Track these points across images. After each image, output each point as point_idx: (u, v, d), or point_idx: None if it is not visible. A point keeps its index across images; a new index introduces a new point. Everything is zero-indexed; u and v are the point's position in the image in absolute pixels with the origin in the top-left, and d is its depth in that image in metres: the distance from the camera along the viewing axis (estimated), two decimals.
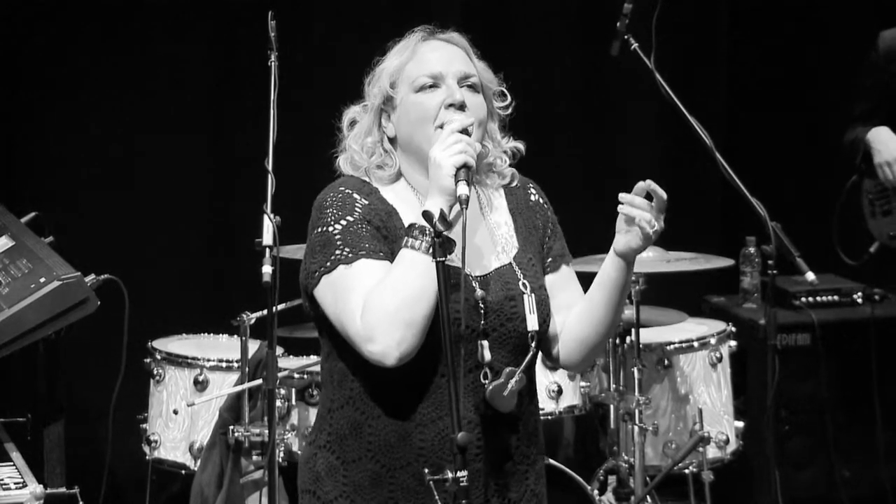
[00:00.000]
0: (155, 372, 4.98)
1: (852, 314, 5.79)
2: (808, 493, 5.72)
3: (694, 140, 4.46)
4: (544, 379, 4.81)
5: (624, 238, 2.96)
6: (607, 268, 2.97)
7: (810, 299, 5.83)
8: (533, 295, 2.91)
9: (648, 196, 2.95)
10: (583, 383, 4.90)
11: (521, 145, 3.08)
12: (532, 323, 2.90)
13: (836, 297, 5.88)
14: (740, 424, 5.20)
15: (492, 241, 2.97)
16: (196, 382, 4.89)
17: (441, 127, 2.88)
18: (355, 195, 2.90)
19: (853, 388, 5.68)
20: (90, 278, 3.61)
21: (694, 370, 5.10)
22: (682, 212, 6.52)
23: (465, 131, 2.85)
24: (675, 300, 5.35)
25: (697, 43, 6.55)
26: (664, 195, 2.96)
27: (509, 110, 3.06)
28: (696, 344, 5.12)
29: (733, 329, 5.29)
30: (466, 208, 2.75)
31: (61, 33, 5.66)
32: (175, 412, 4.94)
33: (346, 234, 2.85)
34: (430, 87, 2.92)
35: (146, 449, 4.99)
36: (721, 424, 5.12)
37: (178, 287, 5.80)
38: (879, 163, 5.18)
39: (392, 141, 2.97)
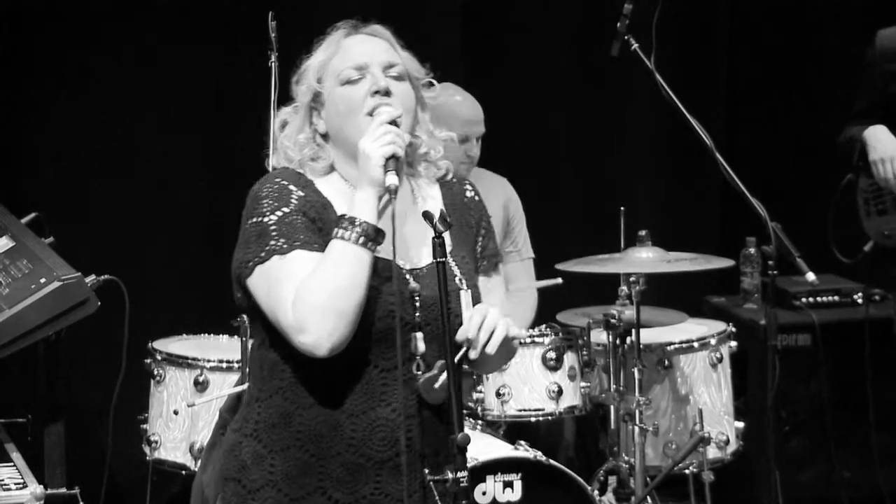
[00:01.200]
0: (155, 372, 4.98)
1: (852, 315, 5.79)
2: (808, 493, 5.72)
3: (694, 140, 4.46)
4: (544, 379, 4.81)
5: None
6: None
7: (810, 300, 5.83)
8: (469, 291, 2.91)
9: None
10: (583, 384, 4.90)
11: (453, 135, 3.09)
12: (466, 319, 2.89)
13: (836, 298, 5.88)
14: (740, 425, 5.19)
15: (425, 234, 2.95)
16: (196, 383, 4.89)
17: (371, 114, 2.90)
18: (291, 186, 2.92)
19: (853, 388, 5.68)
20: (90, 279, 3.61)
21: (694, 370, 5.10)
22: (682, 212, 6.60)
23: (393, 122, 2.87)
24: (676, 300, 5.35)
25: (697, 43, 6.55)
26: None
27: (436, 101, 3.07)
28: (696, 344, 5.12)
29: (734, 329, 5.29)
30: (395, 198, 2.78)
31: (61, 34, 5.66)
32: (175, 413, 4.94)
33: (281, 225, 2.87)
34: (357, 79, 2.94)
35: (146, 449, 4.99)
36: (721, 425, 5.12)
37: (178, 287, 5.80)
38: (874, 160, 5.18)
39: (324, 136, 3.00)
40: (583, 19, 6.34)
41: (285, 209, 2.89)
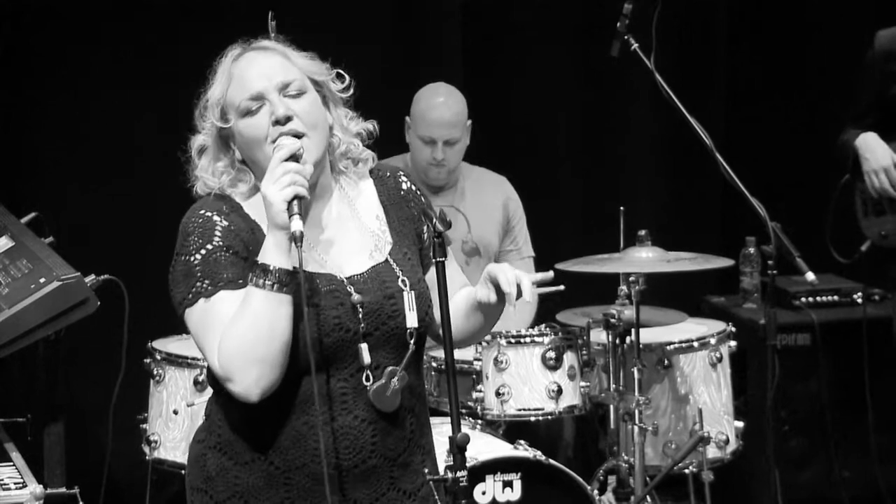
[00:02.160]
0: (155, 372, 4.98)
1: (852, 314, 5.79)
2: (807, 493, 5.72)
3: (694, 140, 4.46)
4: (543, 379, 4.81)
5: (484, 293, 2.92)
6: (484, 297, 2.93)
7: (810, 299, 5.83)
8: (413, 291, 2.91)
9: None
10: (583, 383, 4.90)
11: (370, 126, 3.04)
12: (411, 320, 2.89)
13: (835, 298, 5.89)
14: (740, 424, 5.19)
15: (364, 239, 2.95)
16: (196, 383, 4.89)
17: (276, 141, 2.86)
18: (215, 217, 2.90)
19: (853, 388, 5.68)
20: (90, 278, 3.61)
21: (694, 370, 5.10)
22: (682, 212, 6.60)
23: (294, 157, 2.81)
24: (675, 300, 5.35)
25: (697, 43, 6.55)
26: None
27: (350, 90, 3.01)
28: (696, 344, 5.12)
29: (733, 329, 5.29)
30: (300, 245, 2.73)
31: (61, 33, 5.66)
32: (175, 412, 4.93)
33: (205, 265, 2.86)
34: (256, 108, 2.88)
35: (146, 449, 4.99)
36: (721, 424, 5.12)
37: None
38: (867, 171, 5.18)
39: (242, 161, 2.96)
40: (582, 19, 6.34)
41: (209, 246, 2.87)
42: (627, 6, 4.58)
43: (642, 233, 4.93)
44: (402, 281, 2.92)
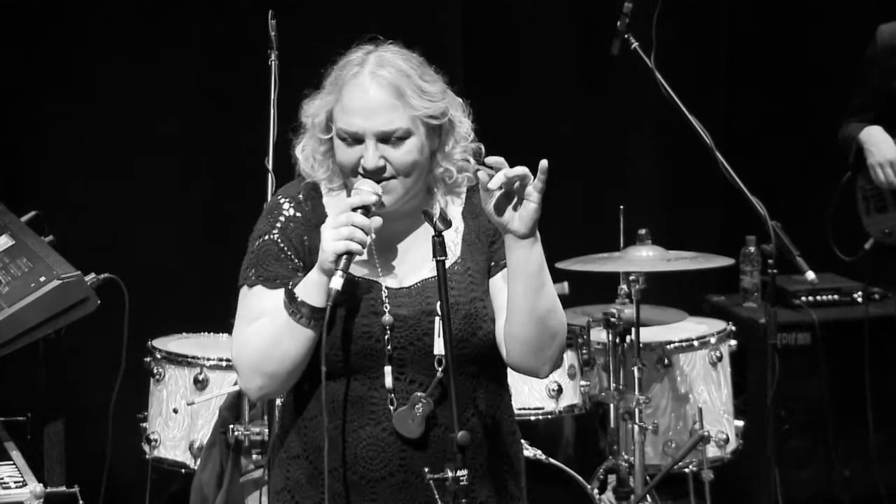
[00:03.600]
0: (155, 371, 4.98)
1: (852, 313, 5.78)
2: (807, 492, 5.72)
3: (694, 139, 4.46)
4: (544, 378, 4.81)
5: (509, 216, 2.79)
6: (510, 256, 2.82)
7: (810, 298, 5.83)
8: (438, 319, 2.84)
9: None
10: (583, 382, 4.90)
11: (471, 159, 2.94)
12: (438, 347, 2.85)
13: (836, 297, 5.88)
14: (740, 424, 5.19)
15: (426, 257, 2.89)
16: (196, 381, 4.89)
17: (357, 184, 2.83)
18: (285, 205, 2.93)
19: (853, 387, 5.68)
20: (90, 277, 3.61)
21: (694, 369, 5.10)
22: (682, 211, 6.59)
23: (366, 209, 2.78)
24: (676, 299, 5.35)
25: (698, 43, 6.54)
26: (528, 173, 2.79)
27: (465, 124, 2.93)
28: (696, 343, 5.12)
29: (733, 328, 5.29)
30: (330, 303, 2.74)
31: (61, 33, 5.66)
32: (175, 411, 4.93)
33: (258, 254, 2.92)
34: (351, 143, 2.83)
35: (146, 448, 4.99)
36: (721, 423, 5.12)
37: (178, 286, 5.80)
38: (872, 164, 5.17)
39: None
40: (583, 18, 6.34)
41: (266, 237, 2.92)
42: (628, 5, 4.58)
43: (642, 232, 4.93)
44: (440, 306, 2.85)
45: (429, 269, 2.90)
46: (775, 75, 6.66)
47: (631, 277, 4.83)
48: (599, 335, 4.95)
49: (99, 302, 3.59)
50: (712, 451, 5.03)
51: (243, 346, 2.88)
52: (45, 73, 5.67)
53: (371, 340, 2.84)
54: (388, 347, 2.84)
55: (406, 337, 2.86)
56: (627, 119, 6.51)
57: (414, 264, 2.92)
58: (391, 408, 2.85)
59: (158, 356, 4.99)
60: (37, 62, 5.65)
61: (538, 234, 2.81)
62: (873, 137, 5.17)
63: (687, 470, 5.01)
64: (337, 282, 2.74)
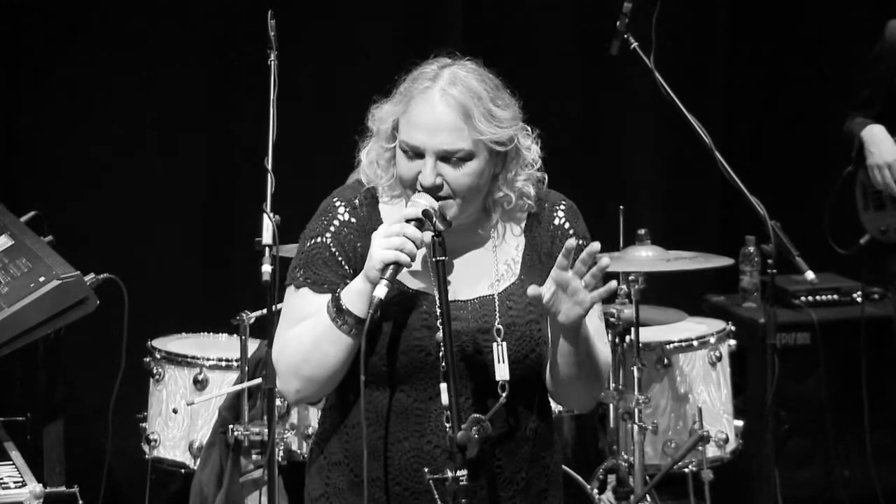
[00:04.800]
0: (154, 371, 4.98)
1: (852, 313, 5.78)
2: (807, 492, 5.72)
3: (694, 139, 4.46)
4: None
5: (564, 308, 2.75)
6: (556, 339, 2.81)
7: (810, 298, 5.83)
8: (504, 343, 2.81)
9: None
10: None
11: (532, 188, 2.90)
12: (501, 372, 2.80)
13: (835, 297, 5.88)
14: (740, 423, 5.20)
15: (492, 267, 2.89)
16: (196, 381, 4.89)
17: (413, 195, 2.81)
18: (340, 209, 2.89)
19: (853, 387, 5.68)
20: (90, 277, 3.61)
21: (693, 369, 5.10)
22: (681, 211, 6.59)
23: (419, 220, 2.76)
24: (675, 299, 5.35)
25: (697, 43, 6.54)
26: (603, 261, 2.77)
27: (533, 151, 2.90)
28: (695, 343, 5.12)
29: (733, 328, 5.29)
30: (376, 314, 2.72)
31: (61, 33, 5.66)
32: (175, 411, 4.94)
33: (308, 255, 2.88)
34: (412, 156, 2.80)
35: (146, 448, 4.99)
36: (720, 423, 5.12)
37: (178, 286, 5.80)
38: (871, 165, 5.17)
39: None
40: (582, 18, 6.34)
41: (318, 239, 2.88)
42: (627, 5, 4.58)
43: (642, 232, 4.93)
44: (497, 330, 2.83)
45: (486, 286, 2.88)
46: (775, 75, 6.66)
47: (630, 277, 4.83)
48: None
49: (98, 302, 3.59)
50: (712, 450, 5.03)
51: (284, 348, 2.86)
52: (44, 72, 5.66)
53: (422, 354, 2.81)
54: (442, 365, 2.79)
55: (458, 352, 2.81)
56: (627, 119, 6.50)
57: (469, 280, 2.88)
58: (447, 425, 2.77)
59: (158, 356, 4.99)
60: (36, 62, 5.65)
61: (585, 323, 2.79)
62: (875, 138, 5.17)
63: (686, 470, 5.01)
64: (381, 290, 2.71)
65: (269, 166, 4.08)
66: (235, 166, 5.75)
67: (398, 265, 2.73)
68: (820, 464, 5.76)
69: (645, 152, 6.55)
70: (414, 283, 2.85)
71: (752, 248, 5.83)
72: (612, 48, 4.62)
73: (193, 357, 4.94)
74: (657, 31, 4.49)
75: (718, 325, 5.30)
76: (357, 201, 2.90)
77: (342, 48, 5.84)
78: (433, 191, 2.78)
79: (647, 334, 4.98)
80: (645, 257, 4.86)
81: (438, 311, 2.80)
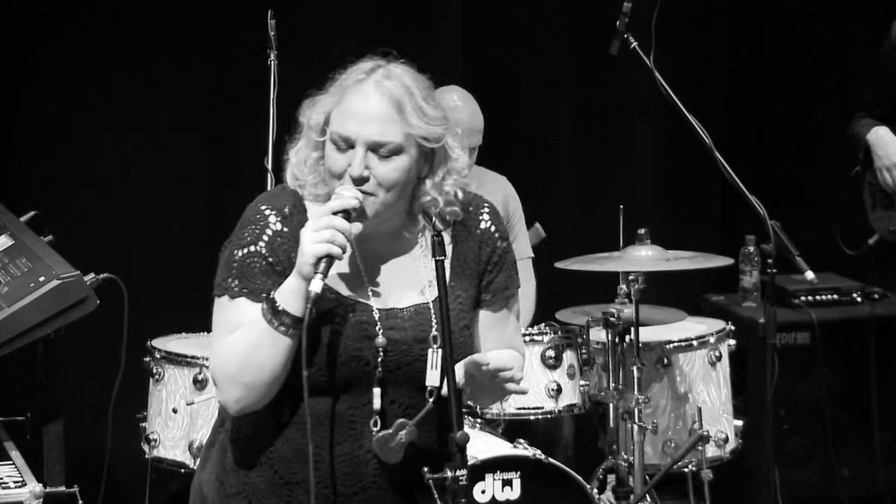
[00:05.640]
0: (154, 371, 4.98)
1: (852, 313, 5.79)
2: (807, 491, 5.72)
3: (693, 139, 4.46)
4: (543, 378, 4.81)
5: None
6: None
7: (810, 298, 5.82)
8: (439, 351, 2.83)
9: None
10: (582, 382, 4.90)
11: (460, 192, 2.90)
12: (432, 378, 2.84)
13: (835, 296, 5.88)
14: (739, 423, 5.19)
15: (420, 274, 2.90)
16: (195, 381, 4.89)
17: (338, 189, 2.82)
18: (271, 218, 2.87)
19: (853, 387, 5.68)
20: (90, 277, 3.61)
21: (693, 369, 5.10)
22: (681, 211, 6.59)
23: (347, 213, 2.76)
24: (675, 299, 5.35)
25: (697, 43, 6.55)
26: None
27: (461, 159, 2.88)
28: (695, 343, 5.12)
29: (733, 328, 5.29)
30: (313, 308, 2.72)
31: (60, 33, 5.66)
32: (174, 411, 4.93)
33: (242, 265, 2.85)
34: (342, 147, 2.81)
35: (145, 448, 4.99)
36: (720, 423, 5.12)
37: (178, 286, 5.80)
38: (879, 167, 5.18)
39: None
40: (582, 18, 6.34)
41: (251, 248, 2.85)
42: (627, 5, 4.58)
43: (642, 231, 4.93)
44: (434, 337, 2.85)
45: (418, 294, 2.89)
46: (775, 75, 6.66)
47: (630, 277, 4.83)
48: (599, 335, 4.95)
49: (98, 302, 3.59)
50: (711, 450, 5.03)
51: (221, 357, 2.84)
52: (44, 72, 5.66)
53: (361, 364, 2.82)
54: (379, 370, 2.83)
55: (395, 361, 2.84)
56: (627, 119, 6.51)
57: (401, 287, 2.90)
58: (374, 429, 2.83)
59: (158, 356, 4.99)
60: (36, 62, 5.65)
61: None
62: (881, 140, 5.18)
63: (686, 469, 5.01)
64: (317, 285, 2.71)
65: (269, 166, 4.08)
66: (235, 166, 5.75)
67: (331, 258, 2.73)
68: (819, 463, 5.76)
69: (645, 152, 6.55)
70: (347, 291, 2.86)
71: (752, 248, 5.83)
72: (612, 48, 4.62)
73: (193, 357, 4.94)
74: (657, 31, 4.49)
75: (718, 324, 5.30)
76: (287, 210, 2.89)
77: (342, 48, 5.83)
78: (359, 182, 2.79)
79: (647, 334, 4.98)
80: (645, 257, 4.86)
81: (435, 314, 2.83)
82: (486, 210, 2.98)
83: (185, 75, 5.84)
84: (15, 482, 3.42)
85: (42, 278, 3.55)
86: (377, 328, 2.83)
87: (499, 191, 5.35)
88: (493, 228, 2.97)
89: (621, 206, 5.14)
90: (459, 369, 2.81)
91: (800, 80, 6.61)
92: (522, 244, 5.38)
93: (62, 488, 3.58)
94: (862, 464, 5.71)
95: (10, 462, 3.58)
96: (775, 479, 4.77)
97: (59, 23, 5.65)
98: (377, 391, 2.82)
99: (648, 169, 6.57)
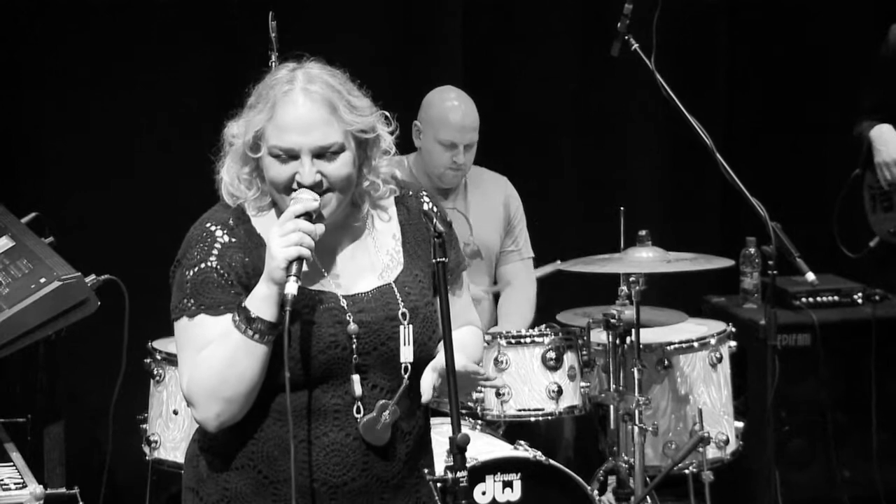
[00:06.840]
0: (155, 372, 4.98)
1: (852, 314, 5.79)
2: (807, 493, 5.72)
3: (694, 140, 4.46)
4: (544, 379, 4.81)
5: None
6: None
7: (810, 299, 5.83)
8: (410, 326, 2.89)
9: None
10: (583, 383, 4.90)
11: (395, 172, 2.98)
12: (406, 354, 2.89)
13: (836, 298, 5.88)
14: (740, 425, 5.19)
15: (377, 258, 2.95)
16: None
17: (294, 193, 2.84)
18: (217, 233, 2.90)
19: (853, 388, 5.68)
20: (90, 279, 3.61)
21: (694, 370, 5.10)
22: (682, 212, 6.59)
23: (308, 215, 2.80)
24: (676, 300, 5.35)
25: (697, 43, 6.55)
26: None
27: (394, 134, 2.95)
28: (696, 344, 5.12)
29: (733, 329, 5.28)
30: (289, 309, 2.73)
31: (61, 33, 5.66)
32: (175, 412, 4.93)
33: (195, 283, 2.87)
34: (286, 159, 2.83)
35: (146, 449, 4.99)
36: (721, 425, 5.12)
37: None
38: (879, 163, 5.18)
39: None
40: (583, 19, 6.34)
41: (202, 265, 2.87)
42: (628, 6, 4.58)
43: (643, 233, 4.93)
44: (403, 314, 2.90)
45: (378, 277, 2.93)
46: (775, 75, 6.66)
47: (631, 279, 4.83)
48: (599, 336, 4.95)
49: (99, 303, 3.60)
50: (712, 452, 5.03)
51: (194, 375, 2.83)
52: (44, 72, 5.66)
53: (338, 350, 2.84)
54: (355, 357, 2.85)
55: (370, 343, 2.87)
56: (627, 120, 6.51)
57: (359, 273, 2.94)
58: (357, 416, 2.86)
59: (159, 357, 4.99)
60: (37, 62, 5.65)
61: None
62: (883, 136, 5.19)
63: (687, 471, 5.01)
64: (292, 287, 2.74)
65: None
66: None
67: (301, 260, 2.76)
68: (820, 465, 5.76)
69: (646, 153, 6.55)
70: (311, 286, 2.88)
71: (752, 250, 5.84)
72: (613, 49, 4.62)
73: None
74: (658, 33, 4.49)
75: (719, 326, 5.30)
76: (232, 222, 2.92)
77: (342, 48, 5.83)
78: (315, 188, 2.82)
79: (648, 335, 4.98)
80: (645, 258, 4.86)
81: (440, 314, 2.84)
82: (424, 193, 3.06)
83: (185, 75, 5.84)
84: (15, 483, 3.42)
85: (43, 280, 3.55)
86: (347, 315, 2.86)
87: (499, 191, 5.35)
88: (435, 209, 3.03)
89: (622, 208, 5.13)
90: (428, 376, 2.85)
91: (800, 80, 6.62)
92: (524, 245, 5.38)
93: (63, 490, 3.57)
94: (863, 466, 5.71)
95: (11, 463, 3.58)
96: (776, 480, 4.77)
97: (60, 23, 5.64)
98: (356, 378, 2.85)
99: (648, 169, 6.57)
